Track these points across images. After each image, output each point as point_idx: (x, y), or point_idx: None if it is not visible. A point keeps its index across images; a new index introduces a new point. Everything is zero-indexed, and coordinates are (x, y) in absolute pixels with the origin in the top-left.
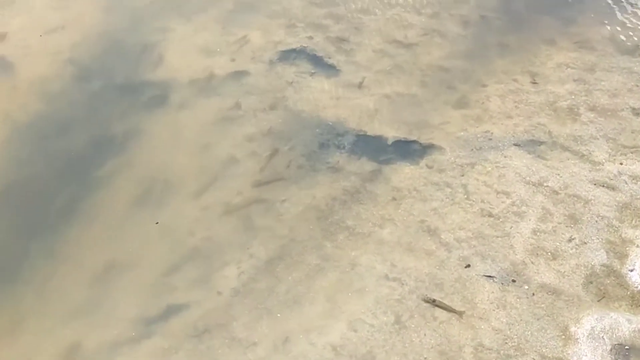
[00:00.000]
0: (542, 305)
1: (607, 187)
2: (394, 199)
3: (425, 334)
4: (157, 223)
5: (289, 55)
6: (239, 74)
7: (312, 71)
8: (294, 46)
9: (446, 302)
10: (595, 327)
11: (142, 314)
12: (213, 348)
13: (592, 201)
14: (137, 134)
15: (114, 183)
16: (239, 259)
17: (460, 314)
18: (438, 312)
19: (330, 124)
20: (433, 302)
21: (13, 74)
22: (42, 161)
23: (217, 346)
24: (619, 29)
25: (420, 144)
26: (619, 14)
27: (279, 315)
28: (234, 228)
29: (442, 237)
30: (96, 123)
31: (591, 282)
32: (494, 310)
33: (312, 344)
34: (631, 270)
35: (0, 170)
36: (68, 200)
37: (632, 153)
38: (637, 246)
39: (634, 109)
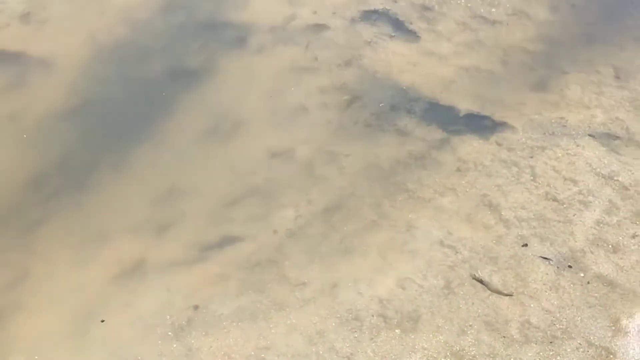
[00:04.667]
0: (596, 295)
1: None
2: (459, 169)
3: (473, 303)
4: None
5: (370, 16)
6: (319, 27)
7: (392, 34)
8: (376, 7)
9: (497, 278)
10: None
11: (199, 240)
12: (263, 282)
13: None
14: (212, 71)
15: (185, 113)
16: (297, 203)
17: (509, 296)
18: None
19: (404, 88)
20: (481, 283)
21: None
22: (120, 83)
23: (267, 280)
24: None
25: (493, 120)
26: None
27: (330, 261)
28: (295, 173)
29: (502, 213)
30: (175, 55)
31: None
32: (546, 291)
33: (359, 293)
34: None
35: (80, 86)
36: (140, 122)
37: None
38: None
39: None
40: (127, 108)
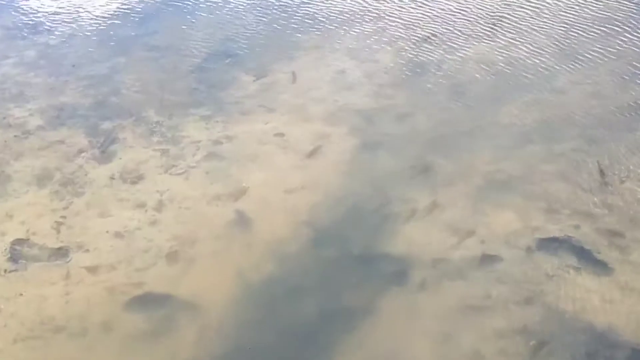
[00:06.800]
0: None
1: None
2: None
3: None
4: None
5: (549, 245)
6: (490, 259)
7: (578, 266)
8: (555, 234)
9: None
10: None
11: None
12: None
13: None
14: (370, 311)
15: None
16: None
17: None
18: None
19: (600, 331)
20: None
21: (250, 230)
22: (269, 325)
23: None
24: None
25: None
26: None
27: None
28: None
29: None
30: (328, 293)
31: None
32: None
33: None
34: None
35: (228, 329)
36: None
37: None
38: None
39: None
40: (278, 354)
